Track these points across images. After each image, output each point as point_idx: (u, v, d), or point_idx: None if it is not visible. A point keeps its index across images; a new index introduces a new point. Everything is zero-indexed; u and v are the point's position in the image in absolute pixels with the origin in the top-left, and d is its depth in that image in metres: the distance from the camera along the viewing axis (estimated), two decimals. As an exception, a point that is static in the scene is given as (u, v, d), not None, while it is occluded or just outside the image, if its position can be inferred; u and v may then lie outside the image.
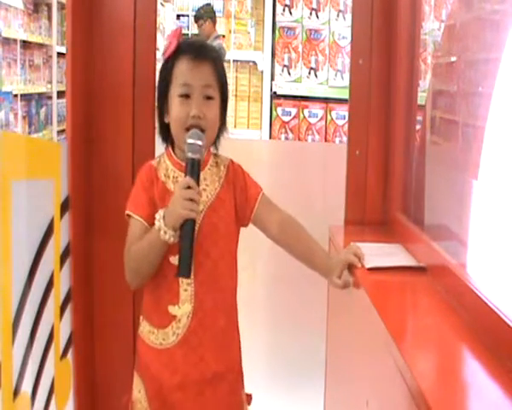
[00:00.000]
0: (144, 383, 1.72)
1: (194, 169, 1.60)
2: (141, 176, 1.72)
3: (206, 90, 1.65)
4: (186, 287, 1.66)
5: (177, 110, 1.66)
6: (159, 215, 1.60)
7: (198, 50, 1.68)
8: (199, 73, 1.65)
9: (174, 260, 1.62)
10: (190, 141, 1.60)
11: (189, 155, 1.60)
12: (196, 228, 1.63)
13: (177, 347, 1.68)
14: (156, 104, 1.74)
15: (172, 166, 1.71)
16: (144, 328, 1.73)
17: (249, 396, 1.84)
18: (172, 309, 1.67)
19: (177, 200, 1.57)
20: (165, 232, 1.58)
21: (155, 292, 1.70)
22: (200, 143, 1.60)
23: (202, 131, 1.64)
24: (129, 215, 1.68)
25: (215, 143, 1.76)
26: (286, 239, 1.75)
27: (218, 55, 1.75)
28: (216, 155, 1.77)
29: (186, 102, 1.65)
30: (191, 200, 1.56)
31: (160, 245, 1.60)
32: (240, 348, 1.79)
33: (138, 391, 1.73)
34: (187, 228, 1.57)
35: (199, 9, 6.52)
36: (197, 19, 6.36)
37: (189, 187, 1.57)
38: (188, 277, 1.60)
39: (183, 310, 1.67)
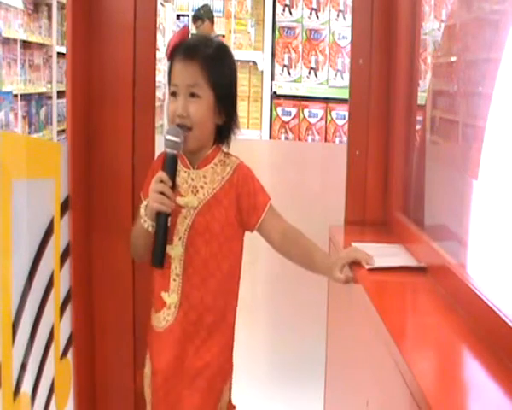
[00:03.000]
0: (150, 360, 1.80)
1: (169, 164, 1.65)
2: (153, 163, 1.83)
3: (190, 89, 1.68)
4: (175, 277, 1.72)
5: (168, 108, 1.72)
6: (142, 204, 1.69)
7: (187, 50, 1.70)
8: (185, 72, 1.68)
9: (168, 248, 1.69)
10: (168, 137, 1.65)
11: (167, 150, 1.65)
12: (189, 224, 1.70)
13: (166, 332, 1.74)
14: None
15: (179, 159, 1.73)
16: (152, 309, 1.80)
17: (233, 407, 1.84)
18: (164, 295, 1.74)
19: (150, 193, 1.64)
20: (145, 221, 1.67)
21: (153, 276, 1.78)
22: (177, 139, 1.64)
23: (189, 129, 1.67)
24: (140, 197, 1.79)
25: (227, 141, 1.77)
26: (286, 246, 1.77)
27: (215, 51, 1.73)
28: (226, 155, 1.77)
29: (174, 101, 1.69)
30: (162, 193, 1.61)
31: (144, 231, 1.68)
32: (231, 353, 1.81)
33: (148, 369, 1.81)
34: (159, 221, 1.63)
35: (197, 10, 6.53)
36: (195, 19, 6.37)
37: (161, 181, 1.62)
38: (159, 267, 1.66)
39: (171, 299, 1.73)
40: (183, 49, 1.70)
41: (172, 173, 1.64)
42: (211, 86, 1.69)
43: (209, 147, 1.74)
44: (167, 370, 1.75)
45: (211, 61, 1.71)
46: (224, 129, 1.75)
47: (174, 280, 1.72)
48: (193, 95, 1.68)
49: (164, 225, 1.63)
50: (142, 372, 1.85)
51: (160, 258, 1.64)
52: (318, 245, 1.77)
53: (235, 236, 1.76)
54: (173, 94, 1.70)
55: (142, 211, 1.68)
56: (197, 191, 1.71)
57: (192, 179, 1.71)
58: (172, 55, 1.72)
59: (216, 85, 1.70)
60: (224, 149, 1.78)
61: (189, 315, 1.72)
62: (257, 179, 1.77)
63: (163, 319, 1.74)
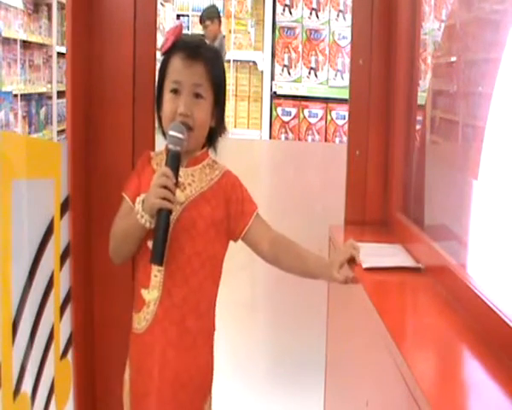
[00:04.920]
0: (129, 366, 1.76)
1: (173, 161, 1.63)
2: (137, 162, 1.81)
3: (195, 89, 1.67)
4: (156, 273, 1.69)
5: (166, 105, 1.69)
6: (139, 199, 1.65)
7: (192, 49, 1.69)
8: (189, 72, 1.67)
9: (151, 244, 1.65)
10: (171, 133, 1.63)
11: (170, 146, 1.64)
12: (174, 219, 1.67)
13: (147, 333, 1.70)
14: (156, 97, 1.77)
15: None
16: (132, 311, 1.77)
17: None
18: (143, 292, 1.71)
19: (153, 187, 1.61)
20: (142, 217, 1.63)
21: (135, 274, 1.76)
22: (180, 136, 1.63)
23: (190, 128, 1.66)
24: (122, 196, 1.75)
25: (214, 145, 1.78)
26: (275, 254, 1.74)
27: (215, 55, 1.76)
28: (214, 161, 1.77)
29: (175, 98, 1.67)
30: (165, 187, 1.59)
31: (138, 228, 1.65)
32: (212, 361, 1.76)
33: (128, 374, 1.77)
34: (161, 217, 1.61)
35: (205, 10, 6.43)
36: (204, 19, 6.26)
37: (165, 176, 1.60)
38: (159, 264, 1.63)
39: (151, 295, 1.69)
40: (188, 48, 1.69)
41: (176, 170, 1.63)
42: (212, 88, 1.70)
43: (199, 149, 1.75)
44: (148, 375, 1.69)
45: (214, 63, 1.72)
46: (214, 132, 1.76)
47: (155, 276, 1.68)
48: (197, 95, 1.67)
49: (165, 221, 1.60)
50: (122, 377, 1.79)
51: (161, 255, 1.61)
52: (313, 249, 1.76)
53: (219, 240, 1.73)
54: (174, 91, 1.67)
55: (138, 207, 1.63)
56: (184, 188, 1.69)
57: (180, 177, 1.69)
58: (171, 50, 1.70)
59: (216, 88, 1.71)
60: (212, 155, 1.78)
61: (171, 314, 1.68)
62: (245, 188, 1.77)
63: (143, 319, 1.70)
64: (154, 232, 1.62)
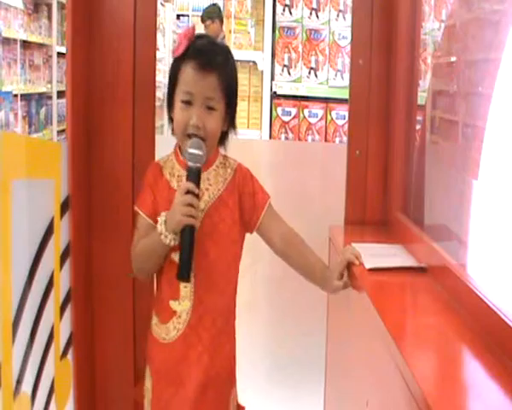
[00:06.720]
0: (151, 374, 1.77)
1: (194, 176, 1.63)
2: (147, 174, 1.77)
3: (208, 102, 1.66)
4: (186, 284, 1.69)
5: (178, 115, 1.68)
6: (161, 219, 1.64)
7: (205, 59, 1.65)
8: (203, 84, 1.65)
9: (175, 256, 1.66)
10: (191, 151, 1.63)
11: (190, 163, 1.63)
12: (197, 228, 1.66)
13: (178, 342, 1.71)
14: (166, 98, 1.76)
15: (178, 164, 1.73)
16: (153, 321, 1.77)
17: (242, 408, 1.84)
18: (173, 304, 1.71)
19: (177, 205, 1.60)
20: (166, 236, 1.62)
21: (160, 287, 1.75)
22: (200, 152, 1.63)
23: (202, 140, 1.66)
24: (136, 211, 1.75)
25: (224, 144, 1.78)
26: (287, 251, 1.76)
27: (227, 60, 1.73)
28: (225, 157, 1.78)
29: (187, 109, 1.66)
30: (190, 205, 1.59)
31: (162, 247, 1.65)
32: (235, 355, 1.79)
33: (148, 381, 1.78)
34: (186, 234, 1.61)
35: (206, 9, 6.39)
36: (205, 19, 6.21)
37: (188, 192, 1.60)
38: (187, 281, 1.64)
39: (182, 306, 1.70)
40: (200, 56, 1.66)
41: (198, 185, 1.63)
42: (224, 98, 1.69)
43: (211, 153, 1.74)
44: (181, 380, 1.71)
45: (227, 73, 1.70)
46: (225, 133, 1.76)
47: (185, 287, 1.69)
48: (209, 107, 1.66)
49: (191, 237, 1.60)
50: (143, 386, 1.81)
51: (188, 271, 1.61)
52: (318, 250, 1.78)
53: (239, 237, 1.76)
54: (186, 102, 1.65)
55: (160, 228, 1.62)
56: (203, 194, 1.69)
57: None
58: (183, 56, 1.67)
59: (228, 97, 1.70)
60: (222, 151, 1.78)
61: (204, 320, 1.70)
62: (256, 179, 1.78)
63: (173, 329, 1.71)
64: (180, 249, 1.62)
